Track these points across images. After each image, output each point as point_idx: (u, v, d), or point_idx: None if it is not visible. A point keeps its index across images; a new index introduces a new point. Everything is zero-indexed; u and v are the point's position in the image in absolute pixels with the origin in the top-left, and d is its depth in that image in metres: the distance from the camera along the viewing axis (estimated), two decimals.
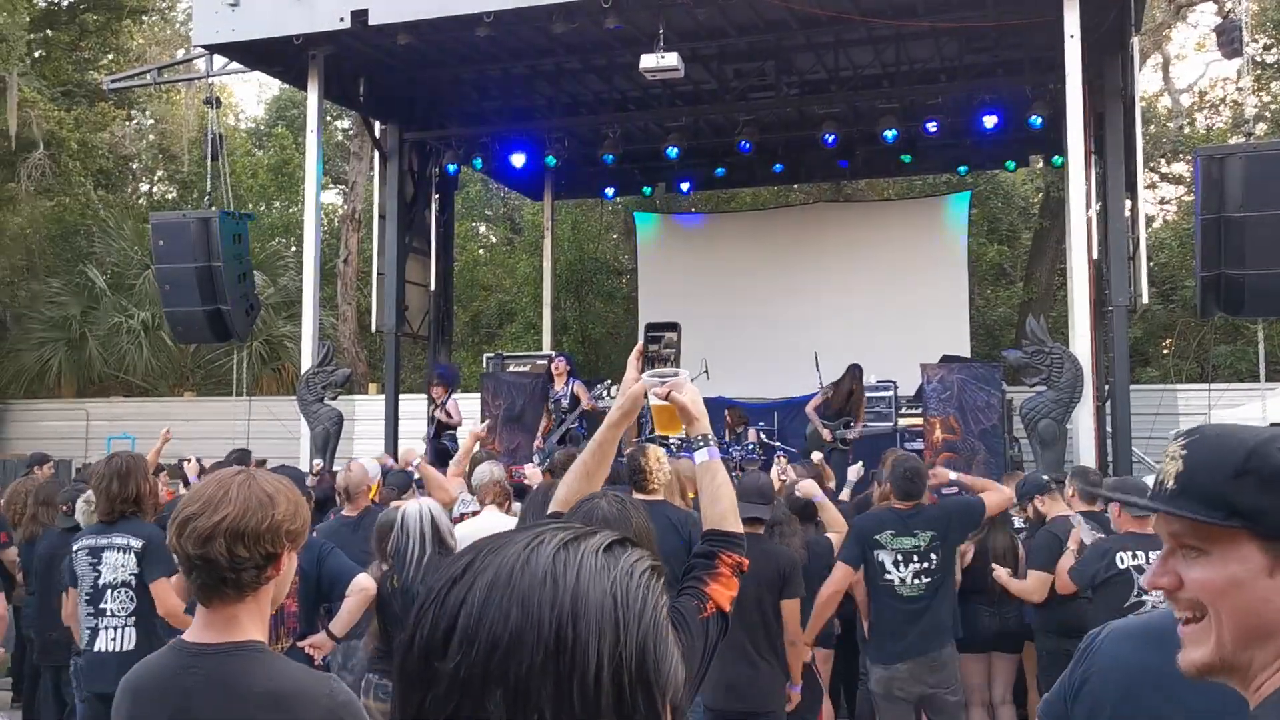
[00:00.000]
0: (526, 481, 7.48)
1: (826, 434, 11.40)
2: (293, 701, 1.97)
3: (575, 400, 11.51)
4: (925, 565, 5.26)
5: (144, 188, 27.91)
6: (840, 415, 11.59)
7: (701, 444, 2.57)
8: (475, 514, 5.98)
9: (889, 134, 12.49)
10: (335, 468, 9.61)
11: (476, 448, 7.16)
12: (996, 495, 5.65)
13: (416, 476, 6.56)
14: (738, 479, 5.66)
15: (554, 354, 12.43)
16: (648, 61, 9.75)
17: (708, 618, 2.33)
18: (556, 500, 2.67)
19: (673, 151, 13.47)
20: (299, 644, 4.37)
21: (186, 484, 8.18)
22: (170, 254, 10.81)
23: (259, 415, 13.92)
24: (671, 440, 8.44)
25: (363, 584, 4.35)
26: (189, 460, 8.81)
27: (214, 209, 11.19)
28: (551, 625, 0.84)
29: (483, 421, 12.85)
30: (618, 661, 0.85)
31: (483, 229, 28.62)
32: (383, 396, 13.74)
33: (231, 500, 2.00)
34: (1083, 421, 9.21)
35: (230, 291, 10.74)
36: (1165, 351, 21.37)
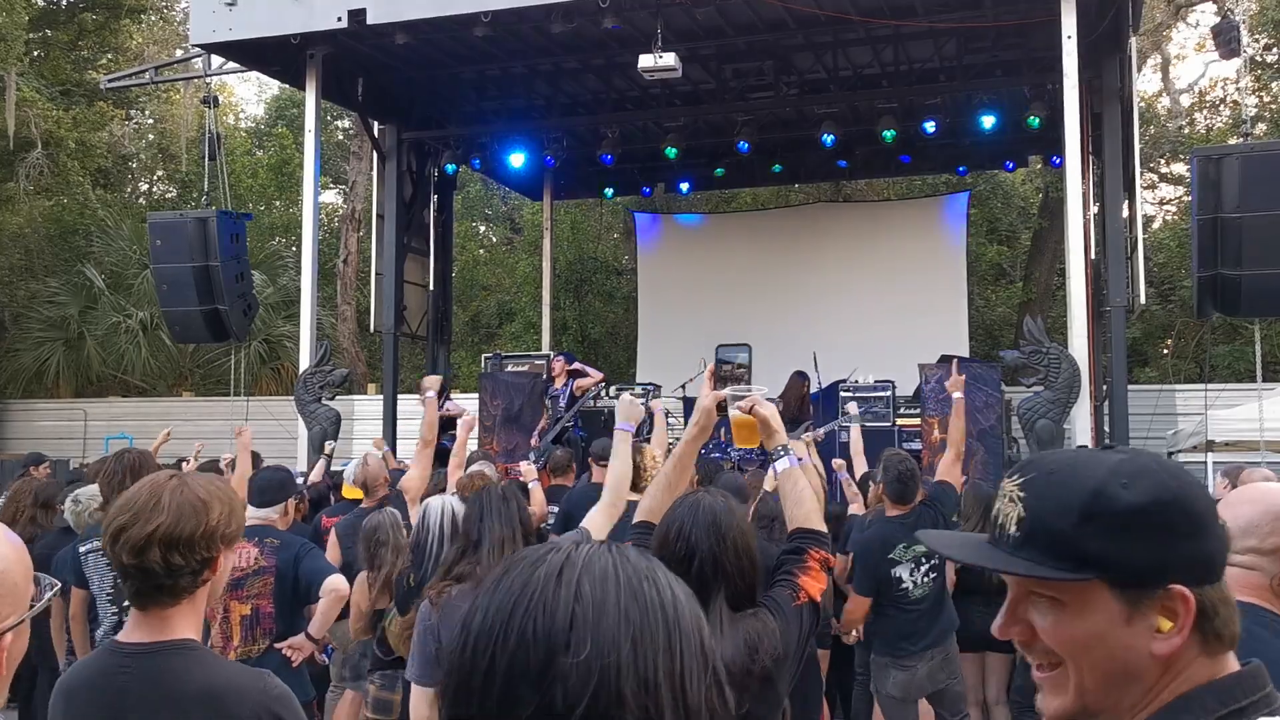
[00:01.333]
0: (522, 479, 7.48)
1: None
2: (226, 697, 1.99)
3: (573, 399, 11.49)
4: (933, 562, 5.29)
5: (143, 187, 27.92)
6: (797, 423, 11.60)
7: (782, 454, 2.78)
8: None
9: (888, 134, 12.49)
10: (335, 467, 9.61)
11: (472, 445, 7.16)
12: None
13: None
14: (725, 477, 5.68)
15: (553, 352, 12.41)
16: (645, 61, 9.75)
17: (800, 605, 2.58)
18: (642, 510, 2.92)
19: (671, 151, 13.47)
20: (277, 645, 4.35)
21: None
22: (167, 254, 10.80)
23: (257, 415, 13.90)
24: (753, 452, 8.96)
25: (334, 585, 4.33)
26: (187, 461, 8.80)
27: (211, 208, 11.19)
28: (662, 616, 0.88)
29: (481, 422, 12.87)
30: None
31: (483, 229, 28.63)
32: (381, 397, 13.72)
33: (164, 509, 2.00)
34: (1080, 421, 9.20)
35: (228, 291, 10.73)
36: (1164, 352, 21.39)
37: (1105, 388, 11.29)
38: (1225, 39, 9.67)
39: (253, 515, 4.64)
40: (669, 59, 9.67)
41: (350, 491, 6.30)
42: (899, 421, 12.57)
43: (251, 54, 11.15)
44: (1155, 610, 1.18)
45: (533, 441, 11.36)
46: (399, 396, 13.28)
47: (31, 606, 1.34)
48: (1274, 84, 22.91)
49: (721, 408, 2.87)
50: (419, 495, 5.24)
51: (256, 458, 9.94)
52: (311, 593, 4.39)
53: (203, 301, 10.71)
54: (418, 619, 3.81)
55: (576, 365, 11.70)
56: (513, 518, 3.85)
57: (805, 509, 2.74)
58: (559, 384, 11.63)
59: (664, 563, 0.96)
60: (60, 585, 1.48)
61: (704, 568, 2.54)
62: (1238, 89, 19.38)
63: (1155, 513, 1.18)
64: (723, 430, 12.33)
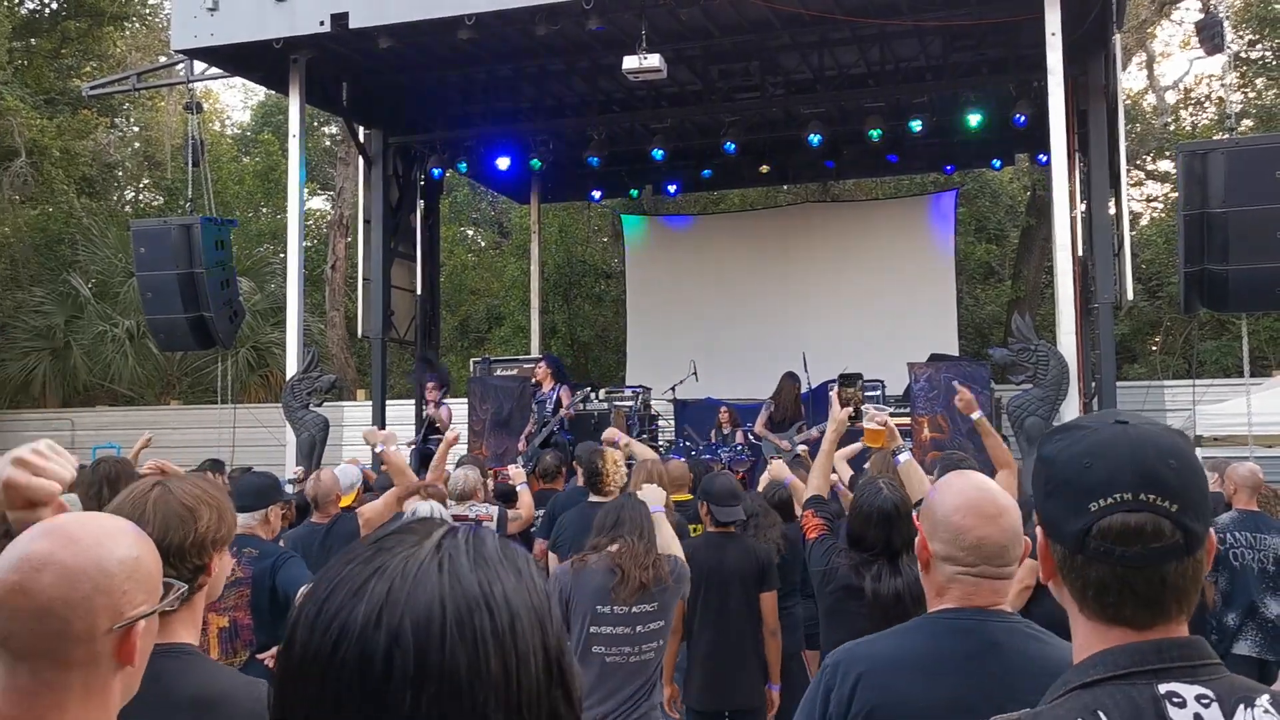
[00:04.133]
0: (511, 482, 7.45)
1: (785, 444, 11.36)
2: (220, 704, 1.95)
3: (559, 404, 11.45)
4: None
5: (129, 195, 27.81)
6: (793, 423, 11.60)
7: (903, 450, 3.91)
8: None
9: (875, 133, 12.48)
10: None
11: (454, 456, 7.11)
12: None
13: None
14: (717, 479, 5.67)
15: (539, 356, 12.37)
16: (630, 63, 9.71)
17: None
18: (813, 488, 4.11)
19: (658, 153, 13.45)
20: (258, 656, 4.29)
21: None
22: (152, 261, 10.73)
23: (245, 423, 13.85)
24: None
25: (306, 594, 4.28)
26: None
27: (196, 215, 11.12)
28: (497, 646, 0.84)
29: (471, 426, 12.83)
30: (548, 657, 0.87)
31: (470, 233, 28.57)
32: (371, 402, 13.67)
33: (149, 520, 1.95)
34: (1069, 418, 9.18)
35: (213, 298, 10.66)
36: (1153, 348, 21.43)
37: (1094, 384, 11.29)
38: (1209, 35, 9.68)
39: None
40: (653, 60, 9.64)
41: (344, 500, 6.24)
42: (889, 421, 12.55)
43: (234, 59, 11.08)
44: None
45: (520, 446, 11.32)
46: (388, 402, 13.23)
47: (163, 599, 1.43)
48: (1259, 80, 22.98)
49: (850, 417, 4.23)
50: (373, 526, 5.20)
51: (219, 465, 9.92)
52: (290, 602, 4.33)
53: (188, 309, 10.64)
54: (553, 579, 4.13)
55: (562, 394, 11.64)
56: (644, 515, 4.10)
57: (917, 488, 3.69)
58: (546, 388, 11.60)
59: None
60: (185, 588, 1.57)
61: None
62: (1223, 85, 19.42)
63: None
64: (712, 433, 12.36)
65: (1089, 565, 1.33)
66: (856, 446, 7.57)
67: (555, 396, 11.52)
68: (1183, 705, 1.26)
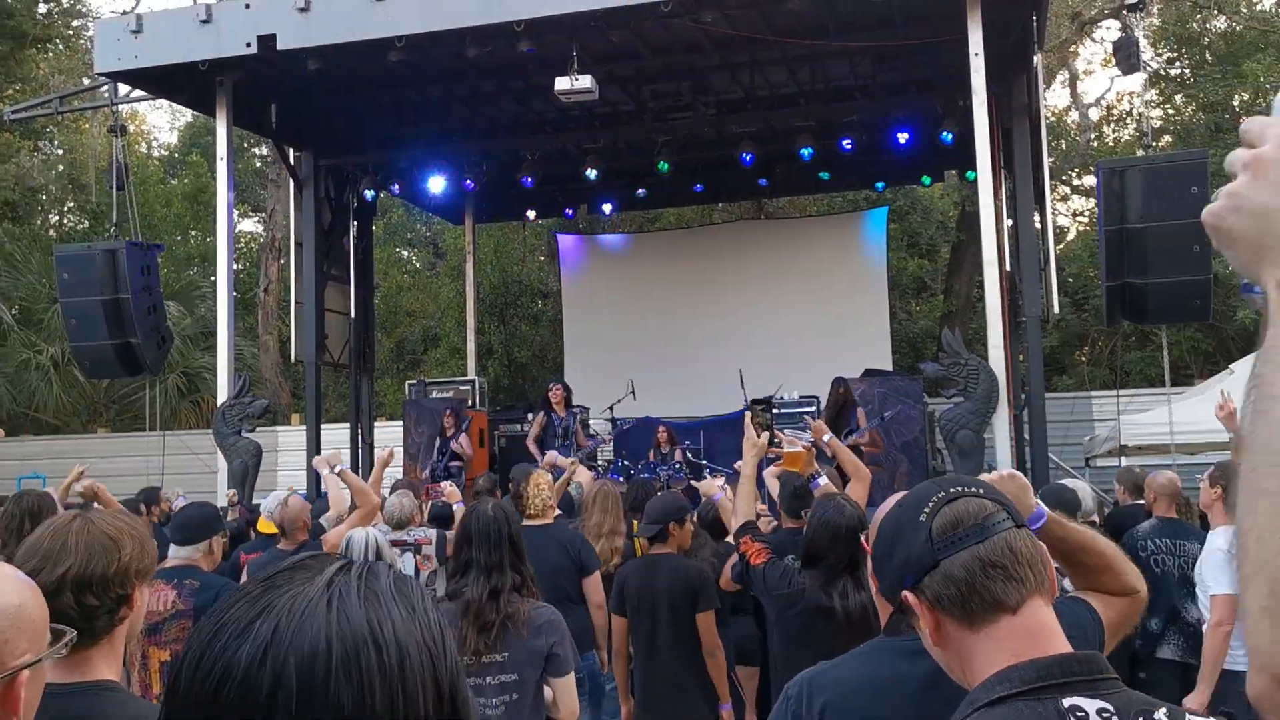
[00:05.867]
0: (444, 499, 7.39)
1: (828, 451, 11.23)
2: None
3: (568, 434, 11.47)
4: None
5: (53, 219, 27.22)
6: (840, 430, 11.36)
7: (820, 476, 4.38)
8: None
9: (806, 152, 12.64)
10: (256, 500, 9.41)
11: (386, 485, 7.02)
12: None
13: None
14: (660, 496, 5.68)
15: (551, 382, 12.37)
16: (562, 84, 9.75)
17: None
18: (741, 515, 4.18)
19: (592, 173, 13.49)
20: None
21: None
22: (76, 287, 10.50)
23: (174, 450, 13.59)
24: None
25: None
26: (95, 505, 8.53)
27: (121, 240, 10.92)
28: (384, 684, 0.83)
29: (406, 450, 12.73)
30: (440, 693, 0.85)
31: (406, 254, 28.37)
32: (305, 427, 13.49)
33: (72, 550, 1.94)
34: (1000, 430, 9.35)
35: (140, 324, 10.45)
36: (1081, 360, 21.88)
37: (1024, 397, 11.50)
38: (1125, 55, 9.94)
39: (173, 555, 4.51)
40: (585, 81, 9.68)
41: (265, 526, 6.14)
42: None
43: (159, 82, 10.93)
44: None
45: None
46: (323, 426, 13.07)
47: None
48: (1177, 96, 23.65)
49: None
50: (336, 550, 5.15)
51: (154, 494, 9.72)
52: None
53: (113, 335, 10.42)
54: None
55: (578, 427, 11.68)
56: (501, 539, 3.81)
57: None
58: (561, 412, 11.56)
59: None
60: (75, 635, 1.51)
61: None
62: (1143, 103, 19.96)
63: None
64: (651, 451, 12.39)
65: (950, 567, 1.44)
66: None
67: (576, 421, 11.55)
68: (1085, 718, 1.32)
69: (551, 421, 11.55)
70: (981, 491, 1.52)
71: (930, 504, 1.50)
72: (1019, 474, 2.29)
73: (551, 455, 8.54)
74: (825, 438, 5.66)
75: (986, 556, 1.43)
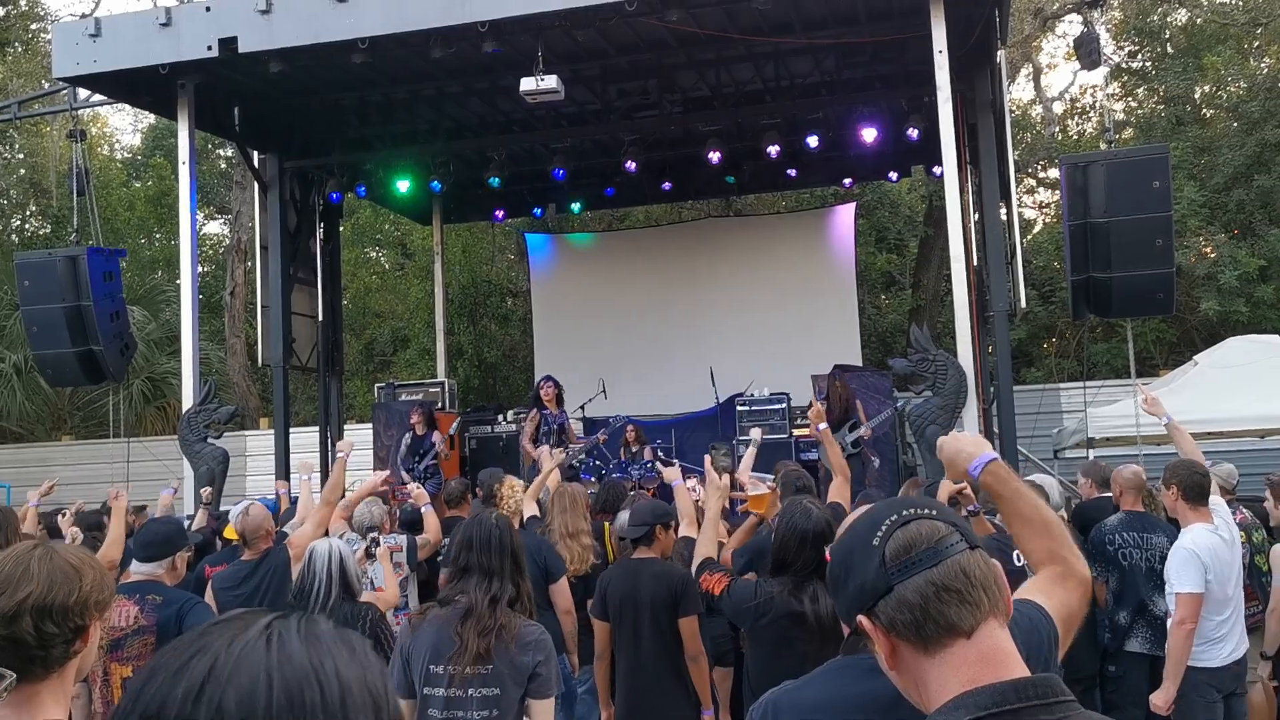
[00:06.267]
0: (412, 501, 7.35)
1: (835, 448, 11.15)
2: None
3: (563, 431, 11.37)
4: None
5: (15, 223, 26.85)
6: (845, 422, 11.32)
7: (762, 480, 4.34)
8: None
9: (773, 149, 12.66)
10: (224, 507, 9.32)
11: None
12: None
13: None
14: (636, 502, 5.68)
15: (543, 378, 12.14)
16: (528, 85, 9.70)
17: None
18: (701, 554, 4.27)
19: (560, 173, 13.45)
20: None
21: (60, 538, 7.83)
22: (37, 295, 10.37)
23: (139, 457, 13.44)
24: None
25: None
26: (63, 513, 8.44)
27: (82, 246, 10.79)
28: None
29: (375, 453, 12.65)
30: None
31: (374, 254, 28.21)
32: (273, 431, 13.38)
33: (34, 576, 1.92)
34: (969, 424, 9.39)
35: (102, 331, 10.34)
36: (1048, 352, 22.06)
37: (993, 390, 11.57)
38: (1086, 51, 10.01)
39: (137, 570, 4.46)
40: (551, 81, 9.63)
41: (232, 533, 6.08)
42: (795, 432, 12.72)
43: (119, 85, 10.78)
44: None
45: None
46: (291, 430, 12.97)
47: None
48: (1139, 90, 23.88)
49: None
50: (304, 553, 5.11)
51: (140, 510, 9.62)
52: None
53: (76, 343, 10.30)
54: (398, 638, 3.88)
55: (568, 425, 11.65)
56: (504, 549, 3.80)
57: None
58: (553, 409, 11.44)
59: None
60: (14, 677, 1.47)
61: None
62: (1105, 96, 20.15)
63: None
64: (622, 450, 12.38)
65: (903, 592, 1.44)
66: (752, 454, 7.67)
67: (567, 422, 11.47)
68: None
69: (545, 419, 11.47)
70: (934, 513, 1.52)
71: (883, 528, 1.50)
72: (948, 441, 2.29)
73: (543, 450, 8.43)
74: (821, 426, 5.70)
75: (940, 580, 1.43)
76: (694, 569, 4.13)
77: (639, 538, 5.07)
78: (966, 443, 2.16)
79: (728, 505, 5.69)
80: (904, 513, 1.51)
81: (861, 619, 1.48)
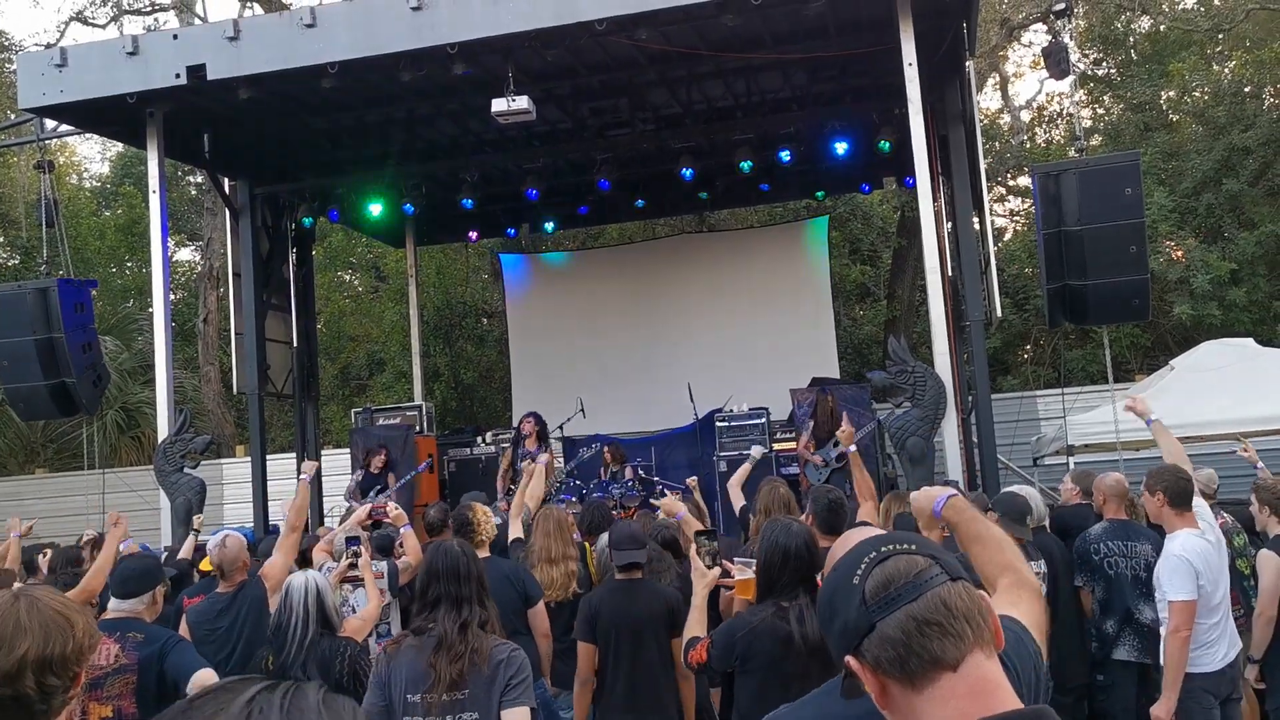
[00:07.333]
0: (388, 520, 7.28)
1: (819, 459, 11.24)
2: None
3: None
4: None
5: None
6: (832, 437, 11.30)
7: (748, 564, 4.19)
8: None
9: (745, 164, 12.68)
10: (202, 539, 9.21)
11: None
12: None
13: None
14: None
15: (524, 415, 12.19)
16: (499, 105, 9.67)
17: None
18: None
19: (533, 192, 13.43)
20: None
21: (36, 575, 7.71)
22: (7, 328, 10.23)
23: (115, 489, 13.28)
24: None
25: (202, 680, 4.10)
26: (43, 552, 8.33)
27: (52, 278, 10.67)
28: None
29: (352, 474, 12.54)
30: None
31: (348, 277, 28.07)
32: (250, 459, 13.24)
33: (27, 630, 1.85)
34: (949, 435, 9.41)
35: (75, 363, 10.22)
36: (1024, 359, 22.17)
37: (971, 399, 11.60)
38: (1055, 61, 10.08)
39: (115, 608, 4.39)
40: (522, 102, 9.61)
41: (207, 565, 6.00)
42: (775, 447, 12.72)
43: (87, 115, 10.69)
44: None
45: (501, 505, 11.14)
46: (268, 458, 12.84)
47: None
48: (1105, 96, 24.11)
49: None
50: (279, 584, 5.04)
51: (101, 540, 9.49)
52: (179, 689, 4.15)
53: (48, 375, 10.17)
54: (374, 667, 3.90)
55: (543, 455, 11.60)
56: (470, 574, 3.84)
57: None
58: (530, 445, 11.40)
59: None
60: None
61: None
62: (1073, 104, 20.32)
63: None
64: (602, 470, 12.33)
65: (885, 629, 1.42)
66: (746, 469, 7.66)
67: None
68: None
69: (515, 456, 11.44)
70: (913, 547, 1.50)
71: (863, 566, 1.49)
72: (919, 495, 2.47)
73: (527, 466, 8.35)
74: (851, 448, 5.75)
75: (920, 614, 1.41)
76: (683, 651, 4.13)
77: (636, 563, 5.06)
78: (931, 489, 2.46)
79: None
80: (883, 549, 1.50)
81: (849, 659, 1.46)
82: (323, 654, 4.50)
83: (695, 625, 4.17)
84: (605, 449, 12.43)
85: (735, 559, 4.46)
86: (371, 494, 11.51)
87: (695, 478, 9.42)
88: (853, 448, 5.86)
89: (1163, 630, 4.94)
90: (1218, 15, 22.12)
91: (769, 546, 3.88)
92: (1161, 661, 4.94)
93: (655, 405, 15.06)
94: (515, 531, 6.41)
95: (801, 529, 3.97)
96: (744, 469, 7.59)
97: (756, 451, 8.15)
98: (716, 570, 4.29)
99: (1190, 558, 4.91)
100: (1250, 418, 9.38)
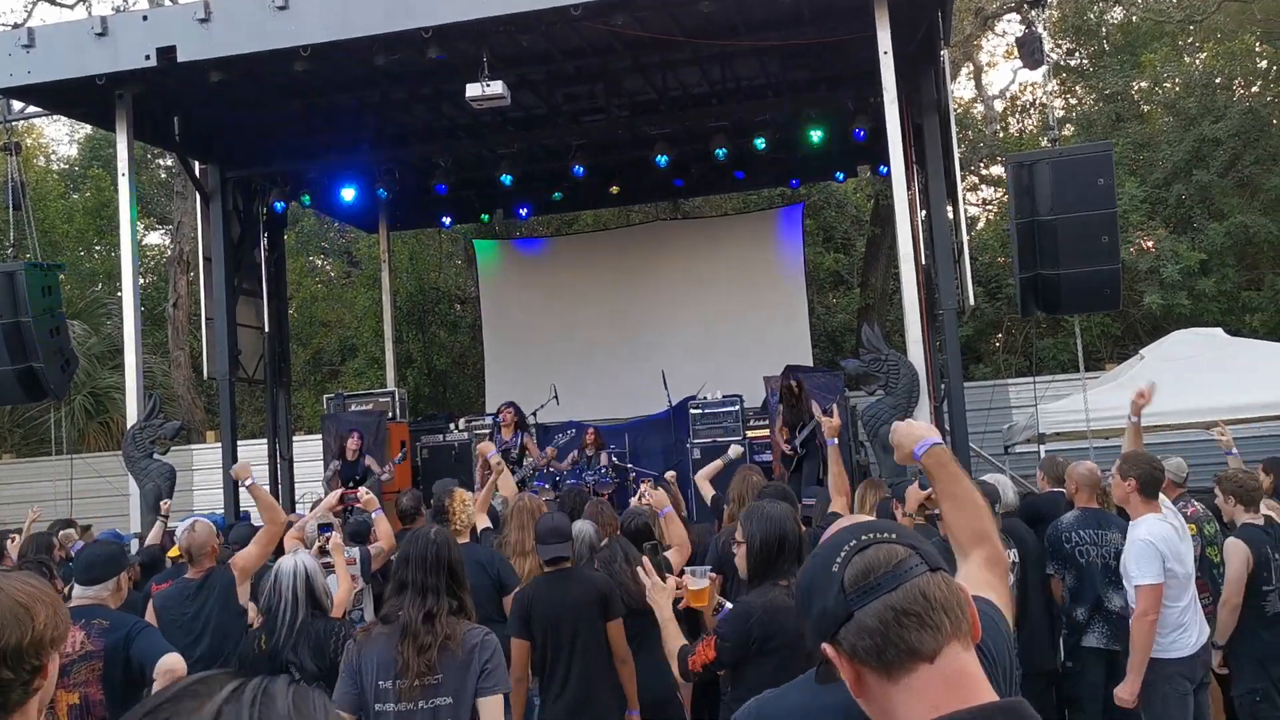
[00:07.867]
0: (359, 505, 7.26)
1: (788, 449, 11.25)
2: None
3: (524, 451, 11.32)
4: None
5: None
6: (802, 420, 11.27)
7: (724, 606, 4.11)
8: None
9: (720, 152, 12.68)
10: (171, 525, 9.14)
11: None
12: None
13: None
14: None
15: (502, 404, 12.17)
16: (473, 91, 9.61)
17: None
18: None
19: (507, 178, 13.37)
20: None
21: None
22: None
23: (83, 474, 13.15)
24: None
25: (169, 665, 4.06)
26: (11, 538, 8.26)
27: (19, 261, 10.54)
28: None
29: (327, 463, 12.48)
30: None
31: (319, 263, 27.88)
32: (221, 444, 13.15)
33: None
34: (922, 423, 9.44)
35: (42, 347, 10.09)
36: (996, 347, 22.32)
37: (943, 388, 11.66)
38: (1029, 51, 10.13)
39: (80, 595, 4.34)
40: (496, 87, 9.56)
41: (176, 551, 5.95)
42: (748, 434, 12.75)
43: (55, 97, 10.55)
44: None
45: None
46: (239, 443, 12.76)
47: None
48: (1078, 87, 24.24)
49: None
50: (247, 574, 5.00)
51: (70, 525, 9.45)
52: (145, 675, 4.12)
53: (15, 360, 10.04)
54: (344, 655, 3.87)
55: (527, 439, 11.60)
56: (440, 564, 3.79)
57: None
58: (507, 435, 11.39)
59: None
60: None
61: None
62: (1045, 94, 20.42)
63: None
64: (577, 452, 12.32)
65: (863, 618, 1.42)
66: (718, 465, 7.67)
67: (519, 443, 11.40)
68: None
69: (496, 445, 11.44)
70: (894, 537, 1.50)
71: (842, 554, 1.48)
72: (900, 426, 2.36)
73: (485, 446, 8.29)
74: (832, 441, 5.74)
75: (899, 605, 1.41)
76: (675, 667, 4.03)
77: (563, 556, 5.04)
78: (919, 428, 2.29)
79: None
80: (863, 537, 1.50)
81: (825, 647, 1.46)
82: (316, 635, 4.50)
83: (675, 637, 4.06)
84: (589, 431, 12.42)
85: (685, 570, 4.43)
86: (368, 481, 11.45)
87: (674, 471, 9.43)
88: (834, 441, 5.86)
89: (1131, 615, 5.00)
90: (1189, 7, 22.27)
91: (764, 531, 3.86)
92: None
93: (629, 392, 15.06)
94: (482, 522, 6.40)
95: (785, 509, 3.98)
96: (716, 464, 7.59)
97: (734, 451, 8.14)
98: (673, 580, 4.25)
99: (1156, 542, 4.97)
100: (1219, 407, 9.47)
